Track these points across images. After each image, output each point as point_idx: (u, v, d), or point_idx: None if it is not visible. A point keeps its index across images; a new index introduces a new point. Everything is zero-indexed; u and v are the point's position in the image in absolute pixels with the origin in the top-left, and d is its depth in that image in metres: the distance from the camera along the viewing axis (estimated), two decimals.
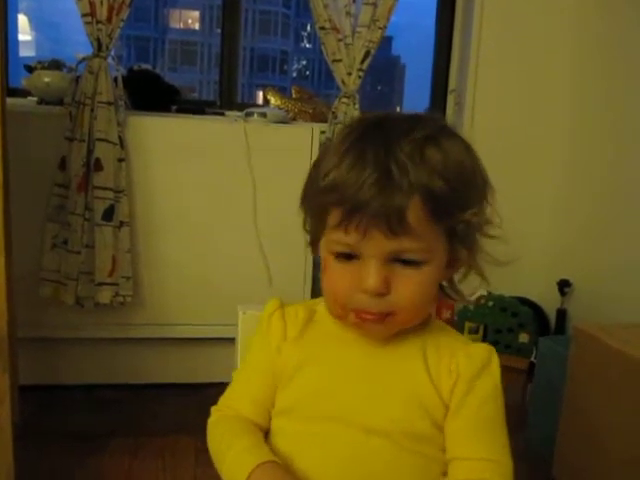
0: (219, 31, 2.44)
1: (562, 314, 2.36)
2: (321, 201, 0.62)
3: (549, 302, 2.41)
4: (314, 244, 0.69)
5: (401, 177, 0.57)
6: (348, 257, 0.62)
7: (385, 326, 0.64)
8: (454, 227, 0.61)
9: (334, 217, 0.60)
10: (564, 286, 2.33)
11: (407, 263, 0.60)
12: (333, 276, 0.64)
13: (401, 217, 0.57)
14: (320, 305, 0.73)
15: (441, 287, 0.68)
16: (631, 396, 1.29)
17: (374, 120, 0.64)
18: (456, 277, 0.69)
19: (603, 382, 1.38)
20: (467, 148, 0.64)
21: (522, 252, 2.41)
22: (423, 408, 0.64)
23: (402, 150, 0.58)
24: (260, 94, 2.80)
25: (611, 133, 2.17)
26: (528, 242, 2.44)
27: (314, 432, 0.66)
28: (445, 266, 0.64)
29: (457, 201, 0.60)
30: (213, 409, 0.72)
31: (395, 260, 0.60)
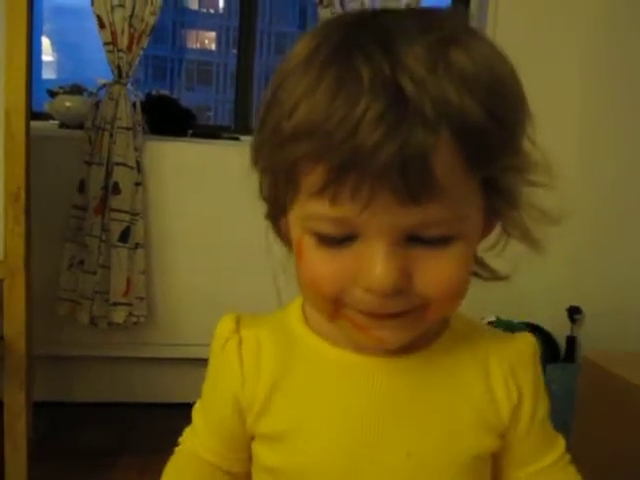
0: (235, 52, 2.50)
1: (572, 341, 2.36)
2: (287, 155, 0.39)
3: (559, 329, 2.41)
4: (276, 218, 0.48)
5: (421, 101, 0.36)
6: (339, 241, 0.41)
7: (408, 326, 0.44)
8: (494, 177, 0.41)
9: (313, 179, 0.39)
10: (574, 313, 2.33)
11: (430, 242, 0.40)
12: (315, 265, 0.43)
13: (425, 169, 0.36)
14: (293, 317, 0.53)
15: None
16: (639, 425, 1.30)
17: (360, 17, 0.41)
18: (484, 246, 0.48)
19: (611, 411, 1.39)
20: (498, 52, 0.42)
21: (531, 278, 2.43)
22: (491, 432, 0.50)
23: (415, 57, 0.37)
24: None
25: (620, 153, 2.17)
26: (537, 268, 2.44)
27: None
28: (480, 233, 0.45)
29: (500, 136, 0.39)
30: (176, 449, 0.58)
31: (412, 239, 0.40)
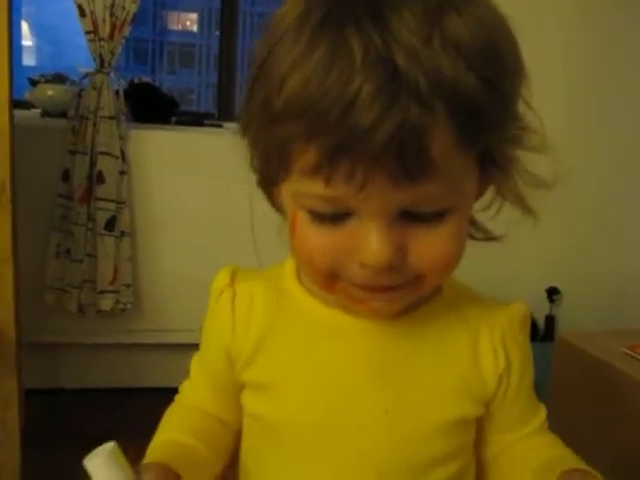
0: (217, 33, 2.49)
1: (551, 321, 2.43)
2: (278, 133, 0.38)
3: (538, 309, 2.47)
4: (268, 187, 0.47)
5: (415, 76, 0.34)
6: (333, 218, 0.40)
7: (401, 297, 0.44)
8: (490, 149, 0.40)
9: (305, 158, 0.37)
10: (552, 293, 2.39)
11: (425, 217, 0.40)
12: (309, 241, 0.42)
13: (421, 148, 0.35)
14: (287, 274, 0.53)
15: None
16: (609, 403, 1.36)
17: None
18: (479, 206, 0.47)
19: (584, 389, 1.45)
20: (495, 13, 0.40)
21: (512, 259, 2.49)
22: (473, 399, 0.51)
23: (408, 27, 0.35)
24: None
25: (603, 142, 2.20)
26: (518, 249, 2.50)
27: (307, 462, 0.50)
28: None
29: (496, 107, 0.38)
30: (175, 397, 0.60)
31: (406, 214, 0.40)
